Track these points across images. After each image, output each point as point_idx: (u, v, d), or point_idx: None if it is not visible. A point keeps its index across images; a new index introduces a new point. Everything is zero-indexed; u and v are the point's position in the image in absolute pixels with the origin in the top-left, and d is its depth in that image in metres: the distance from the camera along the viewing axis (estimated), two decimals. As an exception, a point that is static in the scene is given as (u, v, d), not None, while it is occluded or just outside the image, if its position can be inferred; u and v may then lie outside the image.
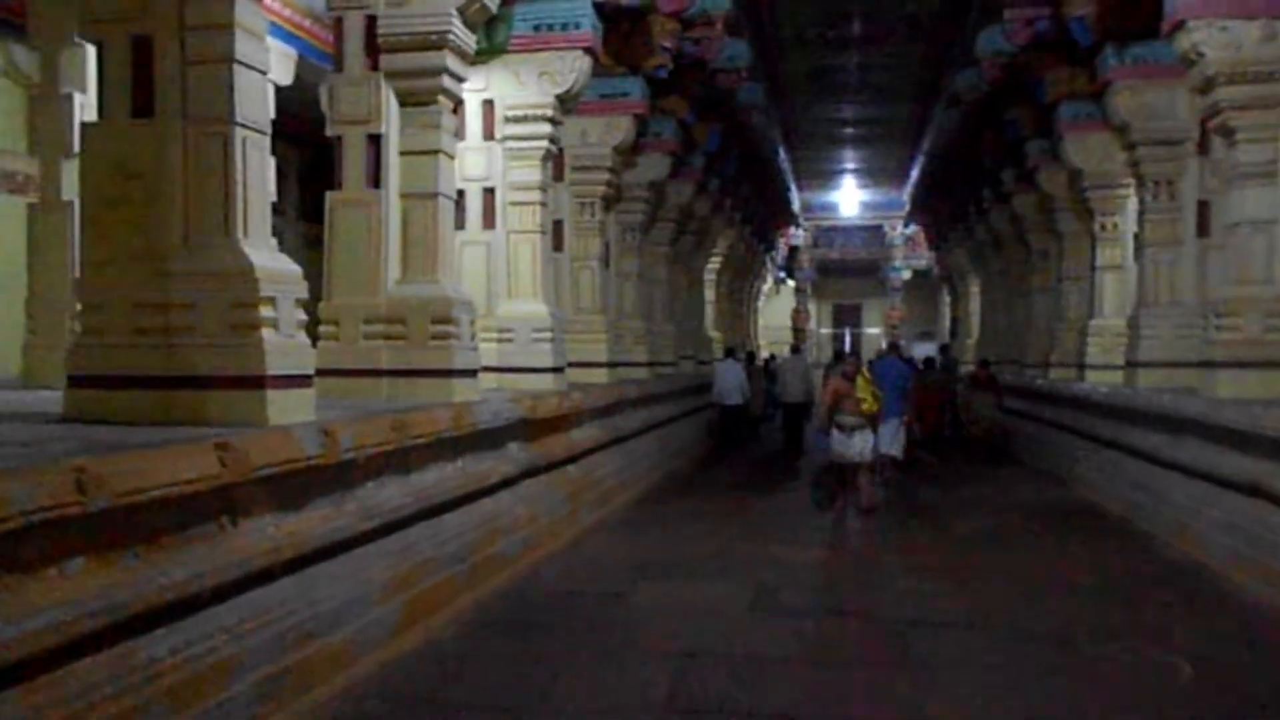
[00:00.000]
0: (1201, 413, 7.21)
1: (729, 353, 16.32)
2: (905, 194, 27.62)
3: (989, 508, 9.06)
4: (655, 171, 12.54)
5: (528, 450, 7.32)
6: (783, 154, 22.03)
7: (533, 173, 8.68)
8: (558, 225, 10.73)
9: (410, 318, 6.53)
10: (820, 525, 8.17)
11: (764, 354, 24.86)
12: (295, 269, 4.70)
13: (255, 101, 4.57)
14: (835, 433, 8.69)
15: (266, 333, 4.41)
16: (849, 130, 20.97)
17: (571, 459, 8.28)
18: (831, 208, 30.41)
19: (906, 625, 5.10)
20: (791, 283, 33.27)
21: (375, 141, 6.58)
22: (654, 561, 6.67)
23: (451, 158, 6.83)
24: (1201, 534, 6.89)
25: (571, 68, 8.57)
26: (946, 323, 30.88)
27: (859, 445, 8.60)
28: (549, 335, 8.62)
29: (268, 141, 4.67)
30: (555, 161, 10.61)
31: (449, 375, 6.51)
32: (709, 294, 19.70)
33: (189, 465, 3.58)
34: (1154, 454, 8.19)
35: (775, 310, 33.68)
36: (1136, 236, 11.59)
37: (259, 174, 4.59)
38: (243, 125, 4.49)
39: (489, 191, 8.70)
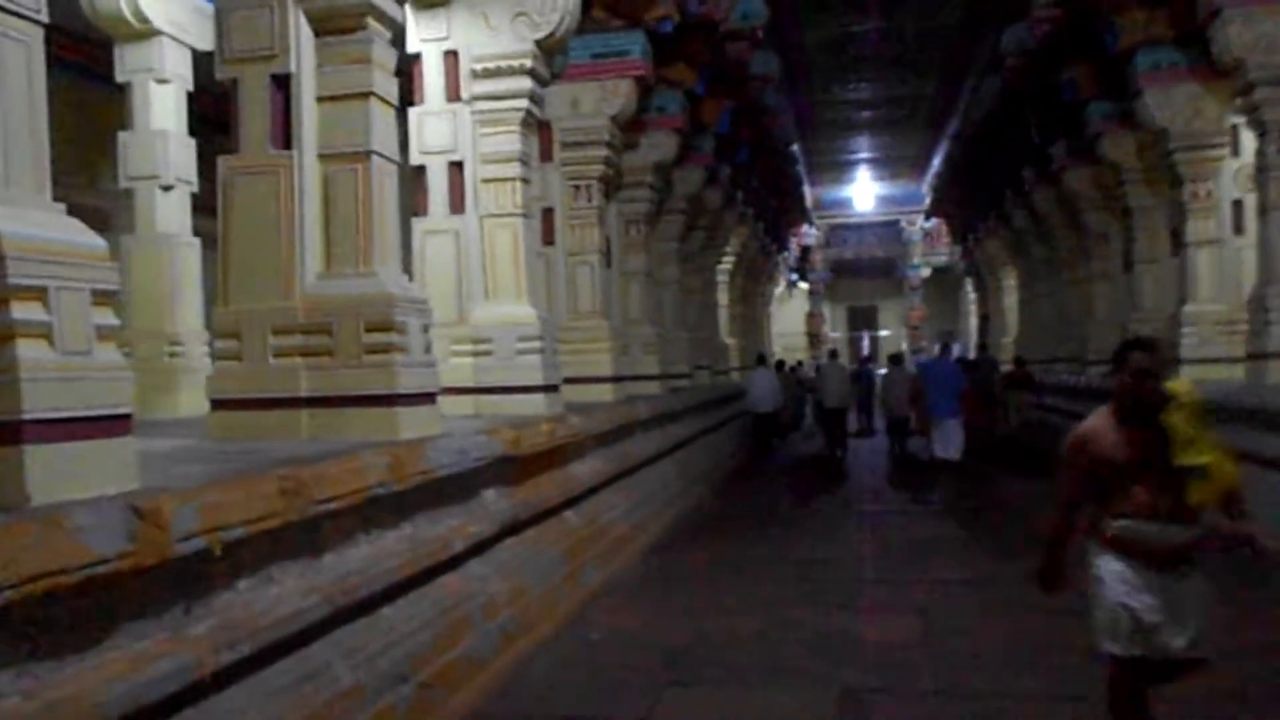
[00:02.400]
0: None
1: (760, 360, 16.30)
2: (925, 185, 25.85)
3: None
4: (660, 152, 10.74)
5: (510, 498, 5.50)
6: (796, 144, 20.28)
7: (510, 141, 6.87)
8: (548, 214, 8.95)
9: (338, 325, 4.72)
10: (897, 575, 6.32)
11: (778, 360, 23.45)
12: (94, 242, 2.89)
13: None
14: (1110, 563, 3.15)
15: (26, 348, 2.59)
16: (866, 114, 19.23)
17: (570, 502, 6.46)
18: (845, 204, 28.63)
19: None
20: (804, 285, 31.44)
21: (283, 85, 4.79)
22: (682, 649, 4.83)
23: (390, 105, 5.01)
24: None
25: (554, 5, 6.77)
26: (970, 321, 29.05)
27: (1194, 620, 3.09)
28: (538, 345, 6.81)
29: (40, 36, 2.86)
30: (542, 136, 8.85)
31: (393, 402, 4.69)
32: (722, 297, 17.88)
33: None
34: (1322, 470, 6.34)
35: (788, 315, 31.81)
36: (1236, 204, 9.84)
37: (20, 84, 2.78)
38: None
39: (456, 166, 6.90)
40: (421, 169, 6.91)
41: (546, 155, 8.87)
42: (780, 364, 17.29)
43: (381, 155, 4.89)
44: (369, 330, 4.66)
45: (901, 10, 13.58)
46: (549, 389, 6.90)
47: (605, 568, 6.58)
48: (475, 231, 6.89)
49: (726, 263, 18.02)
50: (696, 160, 12.36)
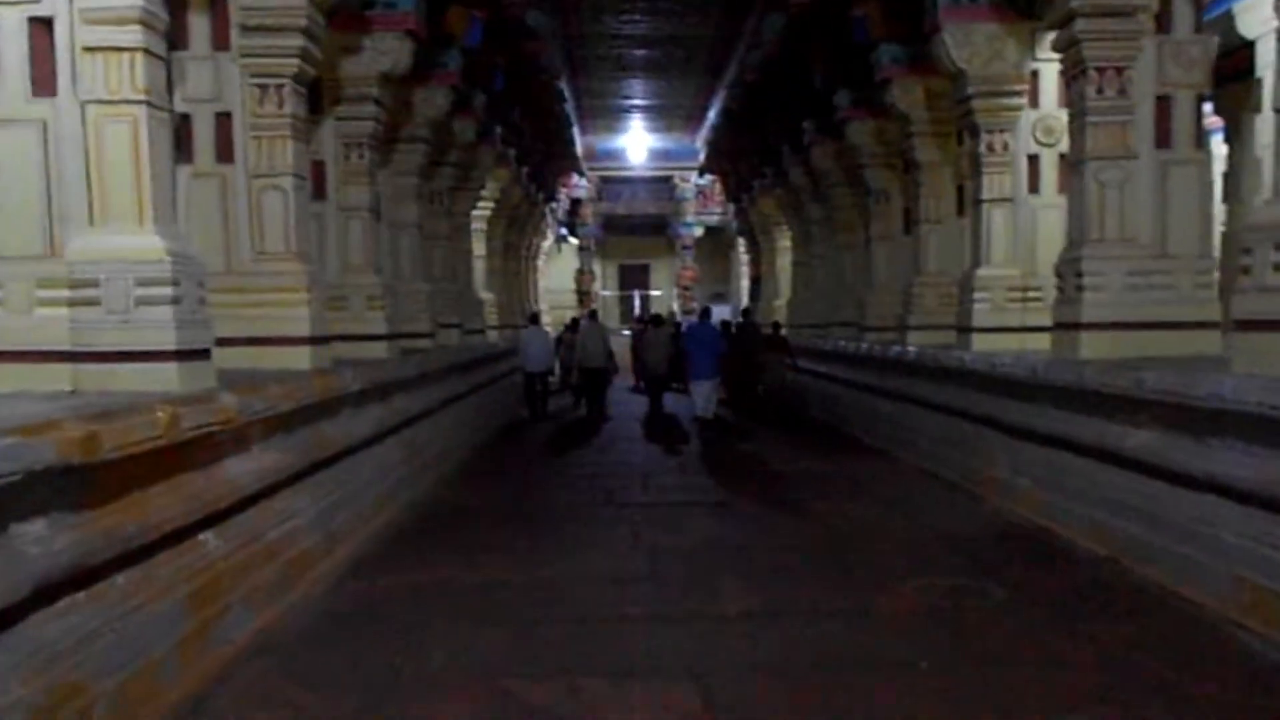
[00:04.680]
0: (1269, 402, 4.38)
1: (534, 319, 15.88)
2: (700, 139, 24.82)
3: (901, 541, 6.01)
4: (389, 60, 8.68)
5: (78, 529, 3.49)
6: (565, 83, 18.52)
7: (127, -8, 4.69)
8: (224, 120, 6.76)
9: None
10: (666, 608, 4.79)
11: (546, 319, 22.02)
12: None
13: None
14: None
15: None
16: (641, 53, 17.65)
17: (212, 519, 4.48)
18: (618, 155, 27.19)
19: None
20: (574, 240, 29.90)
21: None
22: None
23: None
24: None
25: None
26: (743, 283, 28.57)
27: None
28: (169, 291, 4.72)
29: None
30: (216, 14, 6.67)
31: None
32: (478, 247, 15.94)
33: None
34: (1156, 463, 5.36)
35: (557, 271, 30.21)
36: (1032, 159, 8.98)
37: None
38: None
39: (42, 24, 4.66)
40: (-14, 25, 4.63)
41: (222, 40, 6.66)
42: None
43: None
44: None
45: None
46: (189, 355, 4.84)
47: (266, 609, 4.66)
48: (74, 124, 4.69)
49: (484, 208, 16.10)
50: (440, 79, 10.36)
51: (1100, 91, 6.86)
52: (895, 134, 11.75)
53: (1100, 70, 6.87)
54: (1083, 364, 6.43)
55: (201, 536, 4.36)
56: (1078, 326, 6.83)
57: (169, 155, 4.93)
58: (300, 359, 6.71)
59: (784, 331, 16.10)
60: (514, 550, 5.97)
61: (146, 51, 4.69)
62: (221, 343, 6.53)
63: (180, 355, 4.73)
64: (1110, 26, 6.78)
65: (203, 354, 4.98)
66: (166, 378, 4.68)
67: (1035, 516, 6.46)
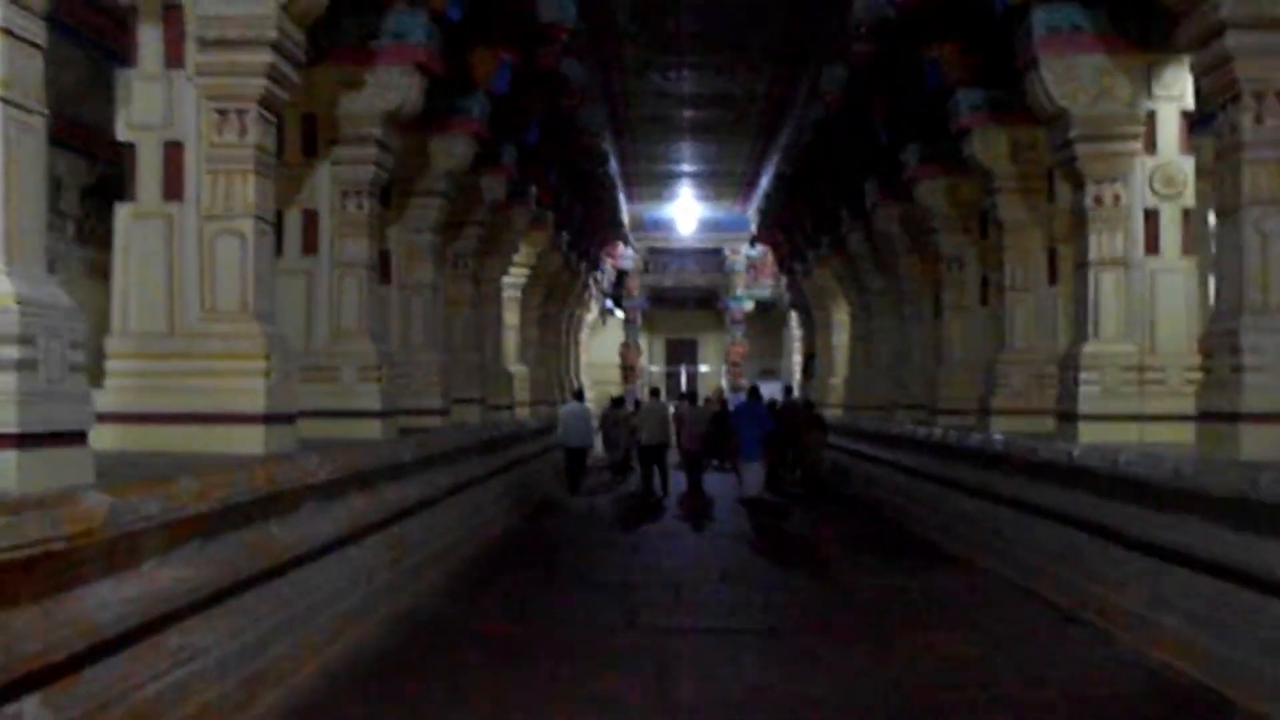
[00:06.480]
0: None
1: (577, 395, 16.14)
2: (752, 209, 23.69)
3: (1017, 703, 4.46)
4: (395, 98, 7.56)
5: None
6: (609, 145, 17.51)
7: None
8: (173, 150, 5.61)
9: None
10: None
11: (589, 395, 21.05)
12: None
13: None
14: None
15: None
16: (690, 113, 16.62)
17: (33, 680, 3.12)
18: (666, 225, 26.15)
19: None
20: (619, 313, 28.74)
21: None
22: None
23: None
24: None
25: None
26: (794, 359, 27.10)
27: None
28: (15, 353, 3.43)
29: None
30: (168, 23, 5.57)
31: None
32: (510, 317, 14.75)
33: None
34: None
35: (601, 345, 29.02)
36: (1150, 215, 7.53)
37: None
38: None
39: None
40: None
41: (175, 55, 5.55)
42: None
43: None
44: None
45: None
46: (42, 440, 3.53)
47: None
48: (-93, 126, 3.50)
49: (518, 275, 14.94)
50: (461, 125, 9.27)
51: (1259, 121, 5.43)
52: (971, 193, 10.44)
53: (1258, 96, 5.44)
54: (1247, 466, 4.90)
55: (10, 709, 3.00)
56: (1236, 417, 5.29)
57: (40, 172, 3.68)
58: (253, 440, 5.43)
59: (818, 410, 15.72)
60: (498, 703, 4.52)
61: (4, 32, 3.50)
62: (158, 419, 5.43)
63: (24, 441, 3.42)
64: (1274, 41, 5.38)
65: (69, 438, 3.66)
66: (1, 470, 3.37)
67: (1192, 669, 4.86)
